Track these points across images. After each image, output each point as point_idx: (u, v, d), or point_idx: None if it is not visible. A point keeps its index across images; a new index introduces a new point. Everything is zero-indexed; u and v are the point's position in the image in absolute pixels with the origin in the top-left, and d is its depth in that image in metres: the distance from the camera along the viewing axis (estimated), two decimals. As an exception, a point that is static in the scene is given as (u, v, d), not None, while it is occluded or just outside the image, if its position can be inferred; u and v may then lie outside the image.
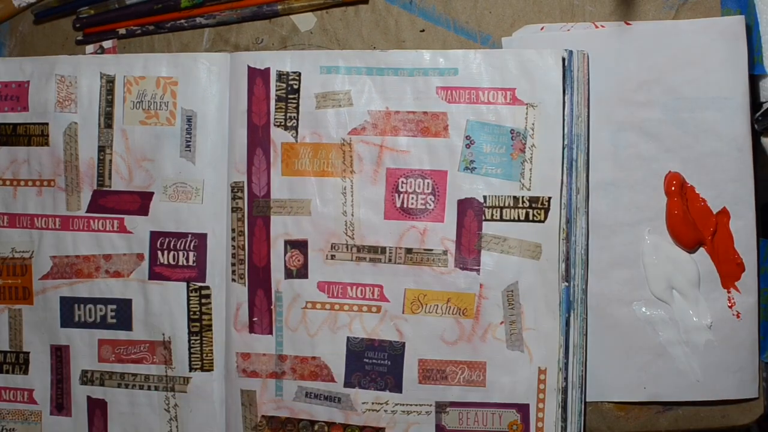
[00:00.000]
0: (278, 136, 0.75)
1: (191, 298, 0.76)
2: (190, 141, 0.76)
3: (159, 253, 0.77)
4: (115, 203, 0.77)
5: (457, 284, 0.73)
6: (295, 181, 0.74)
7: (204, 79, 0.77)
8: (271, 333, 0.75)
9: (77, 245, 0.78)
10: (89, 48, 0.80)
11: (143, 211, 0.77)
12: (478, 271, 0.73)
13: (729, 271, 0.73)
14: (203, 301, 0.76)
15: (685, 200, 0.72)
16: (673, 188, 0.72)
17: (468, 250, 0.73)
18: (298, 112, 0.75)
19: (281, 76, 0.75)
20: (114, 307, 0.78)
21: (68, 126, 0.78)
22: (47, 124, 0.78)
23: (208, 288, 0.76)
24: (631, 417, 0.74)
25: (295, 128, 0.75)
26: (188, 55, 0.77)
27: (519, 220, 0.72)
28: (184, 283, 0.77)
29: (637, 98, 0.73)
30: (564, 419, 0.72)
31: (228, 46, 0.79)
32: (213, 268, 0.76)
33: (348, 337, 0.73)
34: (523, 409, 0.73)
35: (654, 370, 0.73)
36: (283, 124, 0.75)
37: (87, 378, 0.78)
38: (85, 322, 0.78)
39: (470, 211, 0.73)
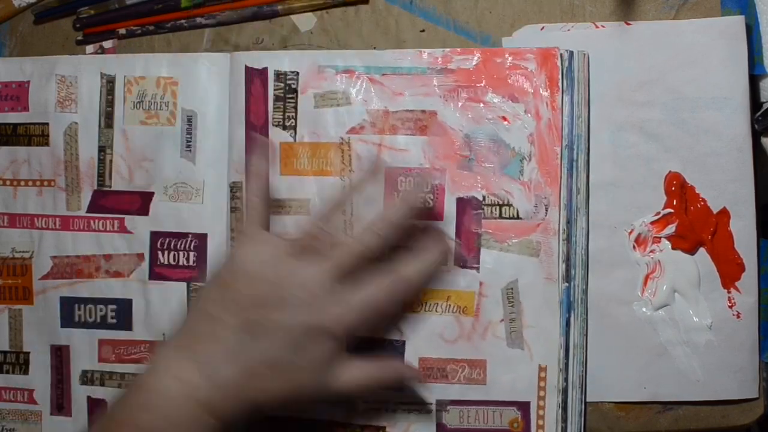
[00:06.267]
0: (277, 135, 0.75)
1: (192, 298, 0.76)
2: (190, 141, 0.76)
3: (159, 253, 0.77)
4: (116, 203, 0.77)
5: (456, 282, 0.73)
6: (294, 181, 0.74)
7: (204, 79, 0.77)
8: (271, 332, 0.75)
9: (77, 245, 0.78)
10: (89, 48, 0.80)
11: (143, 211, 0.77)
12: (477, 269, 0.73)
13: (729, 271, 0.73)
14: (203, 301, 0.76)
15: (685, 200, 0.72)
16: (673, 188, 0.72)
17: (467, 248, 0.73)
18: (296, 112, 0.75)
19: (279, 76, 0.75)
20: (114, 307, 0.77)
21: (68, 126, 0.78)
22: (47, 124, 0.78)
23: (208, 288, 0.76)
24: (631, 417, 0.74)
25: (294, 128, 0.75)
26: (188, 55, 0.77)
27: (518, 218, 0.72)
28: (185, 284, 0.77)
29: (637, 98, 0.73)
30: (564, 419, 0.72)
31: (228, 46, 0.79)
32: (213, 268, 0.76)
33: (348, 336, 0.73)
34: (523, 406, 0.72)
35: (654, 370, 0.73)
36: (281, 123, 0.75)
37: (87, 378, 0.78)
38: (86, 322, 0.78)
39: (469, 209, 0.73)
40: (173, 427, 0.63)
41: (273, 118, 0.75)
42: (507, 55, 0.73)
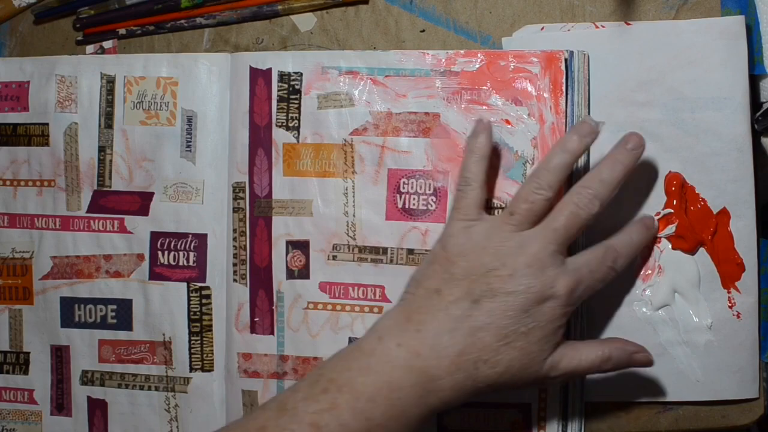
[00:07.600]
0: (280, 136, 0.75)
1: (192, 298, 0.76)
2: (190, 141, 0.76)
3: (159, 253, 0.77)
4: (116, 203, 0.77)
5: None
6: (297, 182, 0.74)
7: (204, 80, 0.77)
8: (272, 333, 0.75)
9: (77, 245, 0.78)
10: (89, 48, 0.80)
11: (143, 211, 0.77)
12: (480, 271, 0.73)
13: (729, 271, 0.73)
14: (204, 301, 0.76)
15: (684, 201, 0.72)
16: (673, 188, 0.72)
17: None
18: (299, 113, 0.75)
19: (283, 77, 0.75)
20: (114, 307, 0.78)
21: (68, 126, 0.78)
22: (47, 124, 0.78)
23: (208, 288, 0.76)
24: (631, 417, 0.74)
25: (297, 129, 0.75)
26: (188, 56, 0.77)
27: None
28: (185, 284, 0.77)
29: (637, 98, 0.73)
30: (564, 418, 0.72)
31: (228, 47, 0.79)
32: (213, 268, 0.76)
33: (350, 338, 0.73)
34: (524, 408, 0.73)
35: (654, 369, 0.73)
36: (284, 124, 0.75)
37: (87, 378, 0.78)
38: (86, 322, 0.78)
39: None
40: (394, 393, 0.61)
41: (276, 119, 0.75)
42: (511, 58, 0.73)
